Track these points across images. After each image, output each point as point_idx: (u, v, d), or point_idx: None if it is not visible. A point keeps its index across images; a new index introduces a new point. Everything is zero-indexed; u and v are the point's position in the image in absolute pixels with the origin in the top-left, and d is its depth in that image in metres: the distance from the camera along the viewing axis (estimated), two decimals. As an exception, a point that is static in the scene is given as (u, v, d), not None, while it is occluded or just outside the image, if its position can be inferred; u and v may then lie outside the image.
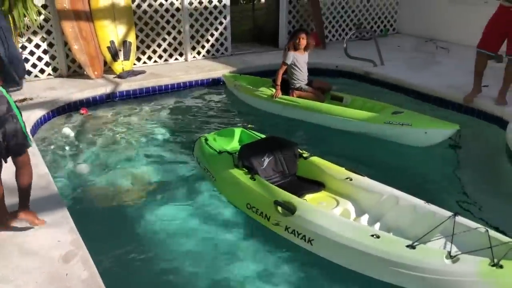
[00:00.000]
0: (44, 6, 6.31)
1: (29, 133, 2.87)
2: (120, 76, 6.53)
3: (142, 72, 6.81)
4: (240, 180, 3.44)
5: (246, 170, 3.50)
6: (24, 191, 2.87)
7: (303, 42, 5.51)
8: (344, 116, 4.89)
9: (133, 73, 6.65)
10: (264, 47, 8.78)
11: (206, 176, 3.89)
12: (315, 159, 3.71)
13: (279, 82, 5.56)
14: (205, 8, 7.60)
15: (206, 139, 4.09)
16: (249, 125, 4.22)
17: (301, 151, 3.79)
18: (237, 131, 4.34)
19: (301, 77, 5.64)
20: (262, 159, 3.59)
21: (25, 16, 5.79)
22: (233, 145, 4.23)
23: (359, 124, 4.77)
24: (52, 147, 4.75)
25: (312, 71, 5.93)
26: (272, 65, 7.33)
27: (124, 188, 4.01)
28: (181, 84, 6.70)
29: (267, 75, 6.79)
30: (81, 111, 5.69)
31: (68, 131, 5.08)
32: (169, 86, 6.61)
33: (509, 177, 4.28)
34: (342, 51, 7.03)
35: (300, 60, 5.59)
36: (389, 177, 3.57)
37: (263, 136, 4.12)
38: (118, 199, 3.84)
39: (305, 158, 3.71)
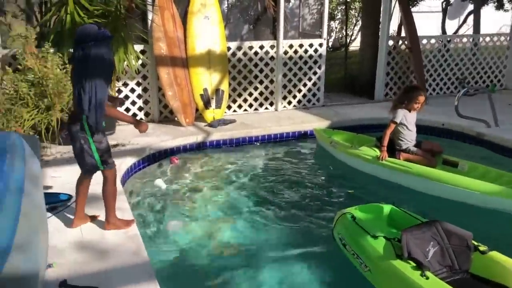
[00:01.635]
0: (143, 52, 6.31)
1: (104, 161, 3.33)
2: (211, 125, 6.31)
3: (233, 121, 6.55)
4: (408, 277, 2.77)
5: (414, 264, 2.84)
6: (104, 202, 3.44)
7: (421, 105, 4.96)
8: (470, 188, 4.20)
9: (223, 122, 6.41)
10: (357, 98, 8.29)
11: (355, 263, 3.26)
12: (497, 254, 2.96)
13: (385, 143, 4.99)
14: (300, 57, 7.31)
15: (353, 217, 3.45)
16: (394, 204, 3.61)
17: (476, 243, 3.04)
18: (386, 208, 3.64)
19: (409, 138, 5.05)
20: (427, 249, 2.94)
21: (124, 60, 5.78)
22: (385, 226, 3.55)
23: (492, 199, 4.06)
24: (143, 200, 4.50)
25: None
26: (368, 119, 6.84)
27: (221, 251, 3.62)
28: (272, 135, 6.35)
29: (362, 130, 6.28)
30: (172, 161, 5.47)
31: (160, 182, 4.83)
32: (260, 137, 6.28)
33: None
34: (445, 107, 6.39)
35: (410, 118, 5.02)
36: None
37: (418, 216, 3.43)
38: (214, 264, 3.45)
39: (482, 252, 2.98)
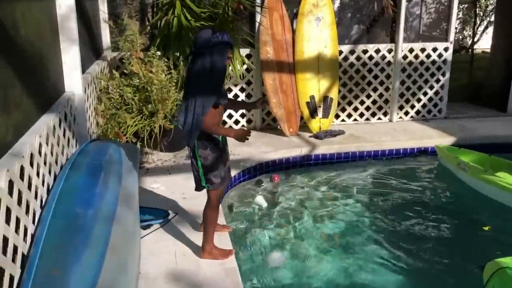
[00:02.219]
0: (248, 56, 5.97)
1: (208, 179, 2.99)
2: (317, 136, 5.78)
3: (341, 132, 5.95)
4: None
5: None
6: (204, 226, 3.10)
7: None
8: None
9: (331, 133, 5.84)
10: (484, 110, 7.22)
11: None
12: None
13: (534, 171, 4.10)
14: (421, 63, 6.48)
15: None
16: None
17: None
18: None
19: None
20: None
21: (229, 65, 5.48)
22: None
23: None
24: (241, 220, 4.12)
25: None
26: (503, 137, 5.85)
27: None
28: (386, 151, 5.65)
29: (495, 150, 5.34)
30: (273, 179, 5.02)
31: (261, 200, 4.42)
32: (372, 152, 5.61)
33: None
34: None
35: None
36: None
37: None
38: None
39: None
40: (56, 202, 2.38)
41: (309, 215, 4.28)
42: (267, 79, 5.83)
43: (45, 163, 2.57)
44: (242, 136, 2.81)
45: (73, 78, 3.40)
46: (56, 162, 2.83)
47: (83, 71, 4.23)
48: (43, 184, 2.51)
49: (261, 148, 5.41)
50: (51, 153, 2.72)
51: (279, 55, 5.89)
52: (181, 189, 4.16)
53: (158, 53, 5.16)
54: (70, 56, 3.36)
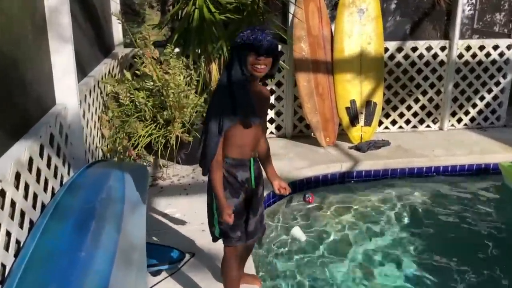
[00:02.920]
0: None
1: (224, 232, 2.28)
2: (358, 148, 4.98)
3: (386, 143, 5.13)
4: None
5: None
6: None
7: None
8: None
9: (374, 145, 5.03)
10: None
11: None
12: None
13: None
14: (479, 63, 5.59)
15: None
16: None
17: None
18: None
19: None
20: None
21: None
22: None
23: None
24: (274, 256, 3.39)
25: None
26: None
27: None
28: (441, 168, 4.81)
29: None
30: (307, 198, 4.26)
31: (298, 232, 3.67)
32: (424, 169, 4.78)
33: None
34: None
35: None
36: None
37: None
38: None
39: None
40: (21, 276, 1.67)
41: (353, 250, 3.52)
42: (301, 80, 5.04)
43: (12, 217, 1.87)
44: (221, 213, 2.11)
45: (66, 87, 2.68)
46: (34, 206, 2.12)
47: (86, 74, 3.54)
48: (7, 248, 1.81)
49: (294, 161, 4.64)
50: (25, 196, 2.02)
51: (315, 52, 5.09)
52: (199, 218, 3.39)
53: (177, 50, 4.44)
54: (62, 59, 2.64)
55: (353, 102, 5.18)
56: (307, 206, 4.23)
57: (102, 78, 3.88)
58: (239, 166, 2.18)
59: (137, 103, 4.16)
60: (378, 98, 5.26)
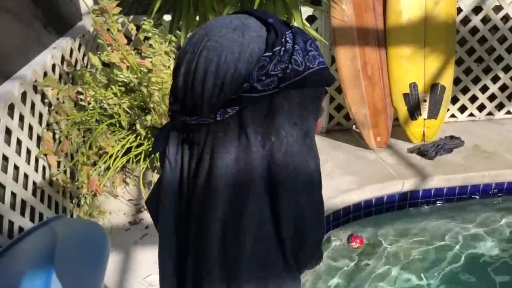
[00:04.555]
0: (311, 19, 3.73)
1: None
2: (422, 153, 3.58)
3: (459, 143, 3.73)
4: None
5: None
6: None
7: None
8: None
9: (444, 147, 3.63)
10: None
11: None
12: None
13: None
14: None
15: None
16: None
17: None
18: None
19: None
20: None
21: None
22: None
23: None
24: None
25: None
26: None
27: None
28: (542, 181, 3.42)
29: None
30: (353, 241, 2.92)
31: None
32: (517, 183, 3.40)
33: None
34: None
35: None
36: None
37: None
38: None
39: None
40: None
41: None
42: (343, 58, 3.61)
43: None
44: None
45: None
46: None
47: (14, 71, 2.19)
48: None
49: (335, 176, 3.29)
50: None
51: (361, 17, 3.61)
52: None
53: (162, 26, 3.03)
54: None
55: (413, 86, 3.74)
56: (353, 249, 2.92)
57: (45, 75, 2.51)
58: None
59: (105, 105, 2.80)
60: (447, 80, 3.81)
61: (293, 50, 0.74)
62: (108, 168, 2.75)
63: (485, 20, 3.94)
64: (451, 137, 3.82)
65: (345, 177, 3.29)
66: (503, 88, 4.20)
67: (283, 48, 0.73)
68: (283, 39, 0.74)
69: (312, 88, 0.77)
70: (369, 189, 3.17)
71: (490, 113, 4.28)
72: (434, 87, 3.78)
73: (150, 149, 2.85)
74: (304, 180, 0.79)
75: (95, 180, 2.55)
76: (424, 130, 3.80)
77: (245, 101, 0.73)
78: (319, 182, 0.82)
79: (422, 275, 2.70)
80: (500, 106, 4.28)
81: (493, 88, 4.17)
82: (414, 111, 3.76)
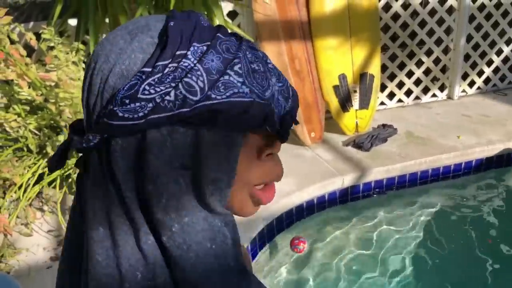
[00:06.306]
0: (232, 15, 3.53)
1: None
2: (358, 145, 3.51)
3: (392, 132, 3.71)
4: None
5: None
6: None
7: None
8: None
9: (379, 137, 3.59)
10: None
11: None
12: None
13: None
14: (497, 5, 4.19)
15: None
16: None
17: None
18: None
19: None
20: None
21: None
22: None
23: None
24: None
25: None
26: None
27: None
28: (473, 162, 3.47)
29: None
30: (295, 245, 2.74)
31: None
32: (452, 167, 3.43)
33: None
34: None
35: None
36: None
37: None
38: None
39: None
40: None
41: None
42: (269, 55, 3.33)
43: None
44: None
45: None
46: None
47: None
48: None
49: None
50: None
51: (285, 10, 3.47)
52: None
53: (63, 37, 2.69)
54: None
55: (342, 77, 3.66)
56: (296, 254, 2.77)
57: None
58: None
59: (8, 129, 2.42)
60: (375, 68, 3.77)
61: (190, 70, 0.50)
62: (18, 199, 2.39)
63: (406, 6, 3.95)
64: (384, 125, 3.79)
65: (285, 179, 3.11)
66: (427, 72, 4.26)
67: (173, 65, 0.50)
68: (178, 52, 0.51)
69: (221, 129, 0.52)
70: (310, 190, 3.04)
71: (417, 97, 4.33)
72: (363, 77, 3.73)
73: (67, 173, 2.52)
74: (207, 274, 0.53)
75: (2, 218, 2.19)
76: (357, 122, 3.74)
77: (104, 129, 0.50)
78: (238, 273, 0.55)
79: (369, 267, 2.62)
80: (425, 90, 4.34)
81: (418, 73, 4.21)
82: (345, 103, 3.69)
